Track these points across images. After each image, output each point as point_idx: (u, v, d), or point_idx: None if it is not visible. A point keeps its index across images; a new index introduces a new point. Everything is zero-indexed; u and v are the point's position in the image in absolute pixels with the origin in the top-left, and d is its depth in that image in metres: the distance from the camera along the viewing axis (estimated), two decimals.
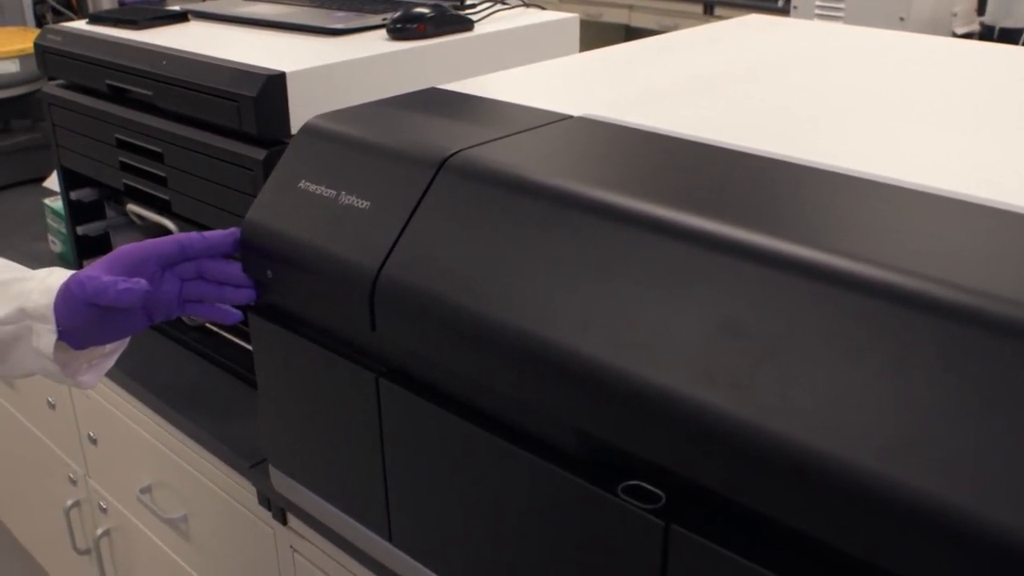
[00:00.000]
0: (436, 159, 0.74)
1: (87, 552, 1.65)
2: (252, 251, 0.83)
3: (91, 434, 1.50)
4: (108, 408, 1.39)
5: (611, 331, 0.60)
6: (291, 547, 1.11)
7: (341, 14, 1.24)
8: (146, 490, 1.37)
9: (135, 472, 1.39)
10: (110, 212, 1.43)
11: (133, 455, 1.38)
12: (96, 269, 0.81)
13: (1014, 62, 1.01)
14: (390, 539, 0.83)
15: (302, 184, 0.81)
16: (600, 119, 0.83)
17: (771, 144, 0.74)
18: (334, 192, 0.78)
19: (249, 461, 1.07)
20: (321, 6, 1.32)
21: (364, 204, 0.76)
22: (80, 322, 0.81)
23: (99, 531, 1.58)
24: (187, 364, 1.27)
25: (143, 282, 0.80)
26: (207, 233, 0.84)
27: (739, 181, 0.69)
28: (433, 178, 0.74)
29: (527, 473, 0.68)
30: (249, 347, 1.21)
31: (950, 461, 0.48)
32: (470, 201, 0.72)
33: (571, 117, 0.83)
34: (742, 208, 0.64)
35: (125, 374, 1.25)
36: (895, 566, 0.50)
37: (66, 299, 0.80)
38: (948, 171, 0.69)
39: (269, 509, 1.10)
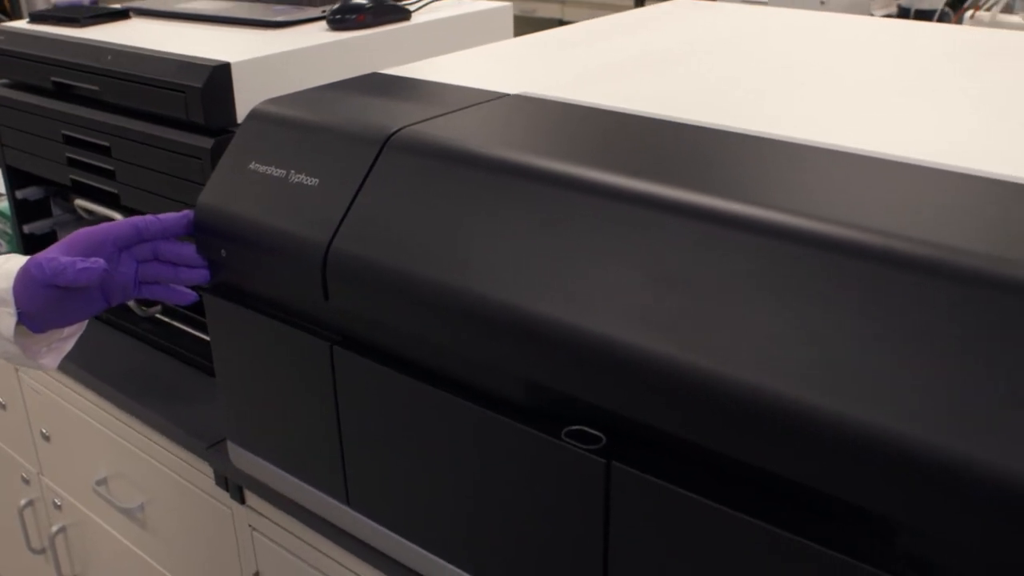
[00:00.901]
0: (380, 136, 0.78)
1: (42, 551, 1.66)
2: (206, 232, 0.86)
3: (44, 431, 1.51)
4: (61, 404, 1.41)
5: (552, 286, 0.65)
6: (250, 526, 1.14)
7: (281, 8, 1.27)
8: (102, 482, 1.39)
9: (90, 466, 1.41)
10: (56, 210, 1.44)
11: (87, 449, 1.40)
12: (54, 251, 0.84)
13: (928, 36, 1.07)
14: (348, 502, 0.87)
15: (252, 165, 0.84)
16: (533, 96, 0.87)
17: (698, 114, 0.80)
18: (284, 171, 0.82)
19: (206, 442, 1.10)
20: (261, 1, 1.35)
21: (313, 181, 0.80)
22: (39, 304, 0.83)
23: (54, 528, 1.59)
24: (140, 355, 1.29)
25: (101, 261, 0.83)
26: (162, 216, 0.87)
27: (663, 146, 0.74)
28: (378, 154, 0.78)
29: (477, 426, 0.72)
30: (201, 335, 1.25)
31: (863, 383, 0.53)
32: (414, 174, 0.76)
33: (507, 95, 0.88)
34: (668, 169, 0.69)
35: (79, 367, 1.27)
36: (817, 482, 0.55)
37: (25, 282, 0.83)
38: (866, 133, 0.75)
39: (227, 489, 1.13)
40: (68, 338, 0.91)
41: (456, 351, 0.72)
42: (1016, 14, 1.66)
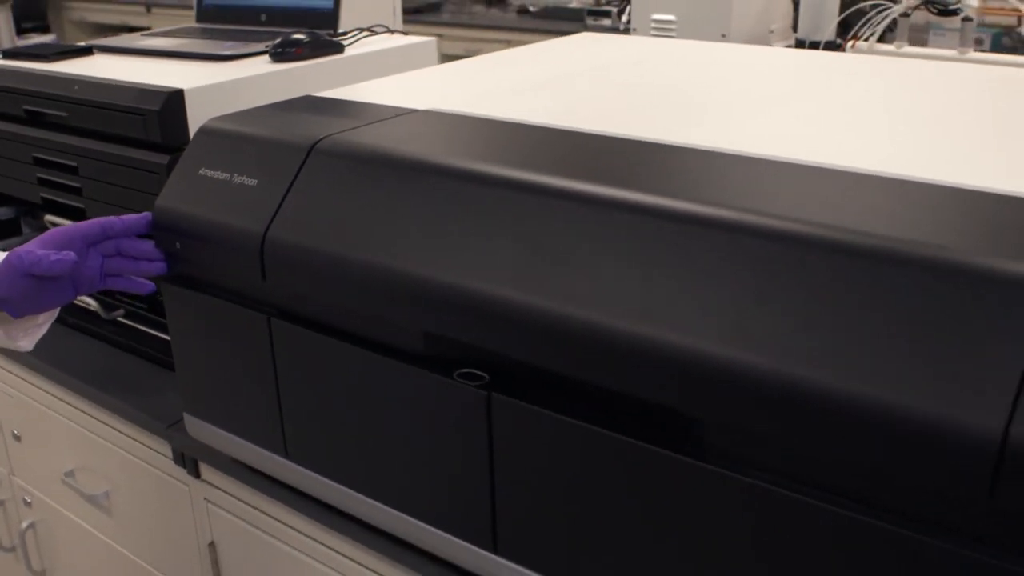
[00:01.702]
0: (307, 143, 0.95)
1: (12, 549, 1.79)
2: (163, 228, 1.02)
3: (15, 432, 1.64)
4: (32, 404, 1.55)
5: (446, 257, 0.82)
6: (205, 499, 1.29)
7: (229, 43, 1.44)
8: (70, 474, 1.53)
9: (58, 460, 1.55)
10: (26, 228, 1.59)
11: (56, 444, 1.53)
12: (31, 246, 0.99)
13: (820, 62, 1.27)
14: (286, 455, 1.02)
15: (202, 171, 1.00)
16: (439, 111, 1.05)
17: (582, 124, 0.97)
18: (228, 175, 0.98)
19: (166, 423, 1.25)
20: (211, 38, 1.52)
21: (252, 182, 0.96)
22: (17, 292, 0.98)
23: (24, 524, 1.71)
24: (105, 354, 1.44)
25: (72, 255, 0.98)
26: (124, 216, 1.03)
27: (540, 146, 0.92)
28: (306, 158, 0.94)
29: (386, 375, 0.88)
30: (160, 334, 1.39)
31: (686, 316, 0.70)
32: (334, 174, 0.92)
33: (416, 111, 1.05)
34: (543, 162, 0.86)
35: (49, 365, 1.41)
36: (646, 392, 0.72)
37: (5, 271, 0.98)
38: (753, 138, 0.93)
39: (184, 466, 1.28)
40: (43, 324, 1.06)
41: (369, 314, 0.88)
42: (889, 44, 1.86)
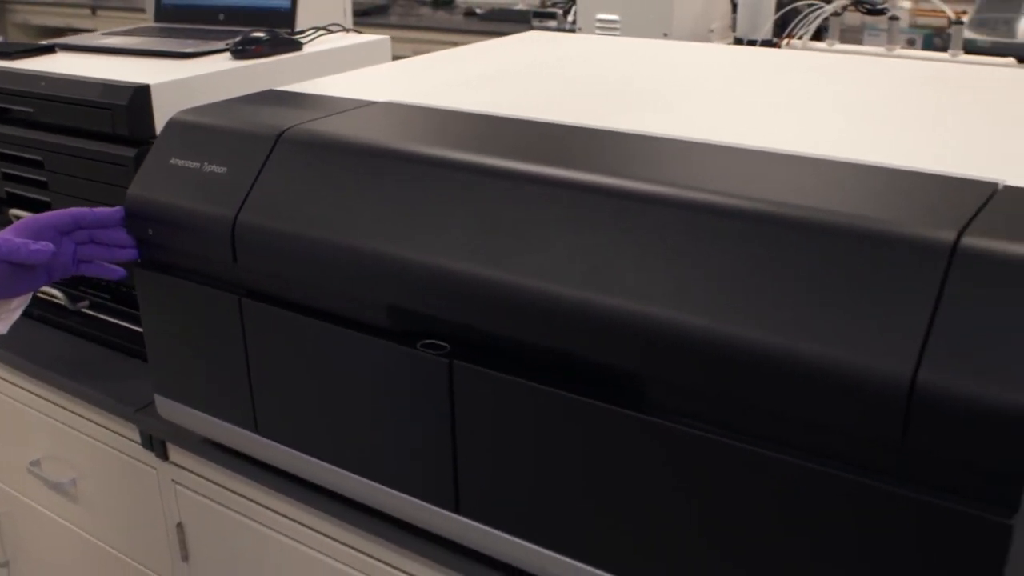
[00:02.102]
0: (274, 132, 1.01)
1: None
2: (136, 216, 1.07)
3: None
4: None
5: (409, 235, 0.88)
6: (173, 481, 1.33)
7: (190, 41, 1.49)
8: (35, 463, 1.56)
9: (25, 451, 1.58)
10: None
11: (22, 435, 1.57)
12: (6, 234, 1.03)
13: (755, 57, 1.35)
14: (256, 430, 1.07)
15: (172, 161, 1.05)
16: (397, 102, 1.11)
17: (532, 112, 1.04)
18: (198, 164, 1.04)
19: (134, 407, 1.29)
20: (171, 37, 1.56)
21: (222, 170, 1.02)
22: None
23: None
24: (71, 345, 1.47)
25: (50, 245, 1.02)
26: (96, 208, 1.08)
27: (503, 133, 0.98)
28: (273, 147, 1.00)
29: (353, 347, 0.94)
30: (125, 324, 1.44)
31: (626, 282, 0.77)
32: (300, 160, 0.98)
33: (376, 102, 1.11)
34: (500, 146, 0.92)
35: (16, 355, 1.45)
36: (593, 353, 0.79)
37: None
38: (694, 124, 1.00)
39: (152, 449, 1.32)
40: (16, 309, 1.10)
41: (336, 291, 0.94)
42: (823, 41, 1.96)
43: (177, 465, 1.31)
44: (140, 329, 1.37)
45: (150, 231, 1.06)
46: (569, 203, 0.83)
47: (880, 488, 0.70)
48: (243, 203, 0.98)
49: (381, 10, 5.22)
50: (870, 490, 0.70)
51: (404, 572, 1.07)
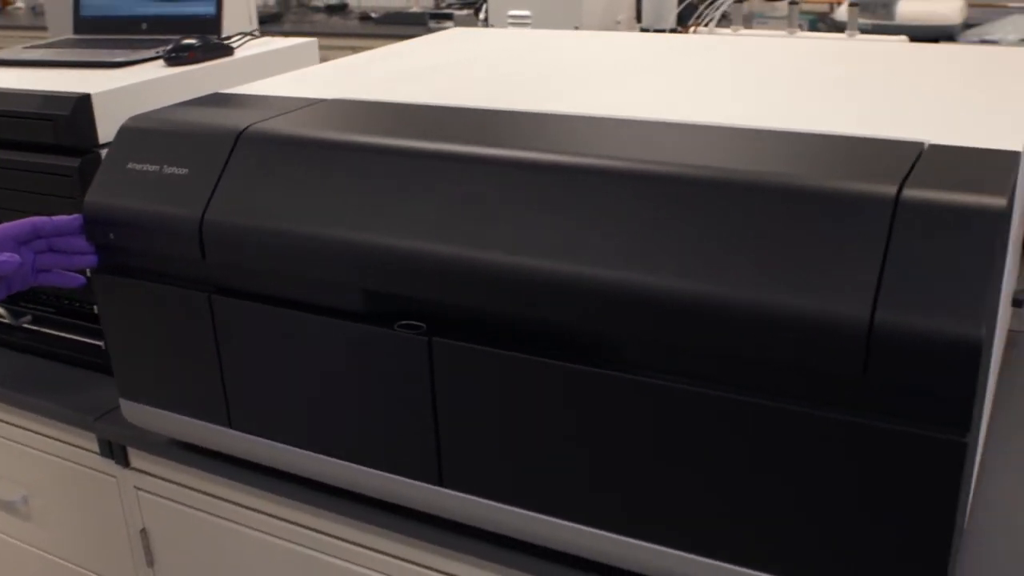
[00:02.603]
0: (234, 132, 1.03)
1: None
2: (95, 222, 1.08)
3: None
4: None
5: (379, 221, 0.92)
6: (135, 487, 1.34)
7: (119, 51, 1.49)
8: None
9: None
10: None
11: None
12: None
13: (675, 43, 1.42)
14: (229, 424, 1.10)
15: (130, 165, 1.07)
16: (347, 99, 1.14)
17: (473, 101, 1.08)
18: (157, 167, 1.05)
19: (93, 415, 1.29)
20: (95, 47, 1.56)
21: (183, 171, 1.04)
22: None
23: None
24: (17, 360, 1.46)
25: (16, 256, 1.03)
26: (54, 217, 1.08)
27: (451, 120, 1.03)
28: (234, 146, 1.03)
29: (330, 333, 0.98)
30: (71, 336, 1.43)
31: (595, 254, 0.82)
32: (264, 157, 1.01)
33: (326, 100, 1.14)
34: (451, 132, 0.97)
35: None
36: (558, 317, 0.84)
37: None
38: (612, 103, 1.06)
39: (112, 456, 1.33)
40: None
41: (311, 280, 0.97)
42: (728, 28, 2.05)
43: (139, 471, 1.32)
44: (88, 340, 1.39)
45: (111, 236, 1.07)
46: (526, 181, 0.88)
47: (845, 421, 0.76)
48: (209, 201, 1.00)
49: (275, 18, 5.20)
50: (836, 424, 0.77)
51: (385, 553, 1.11)
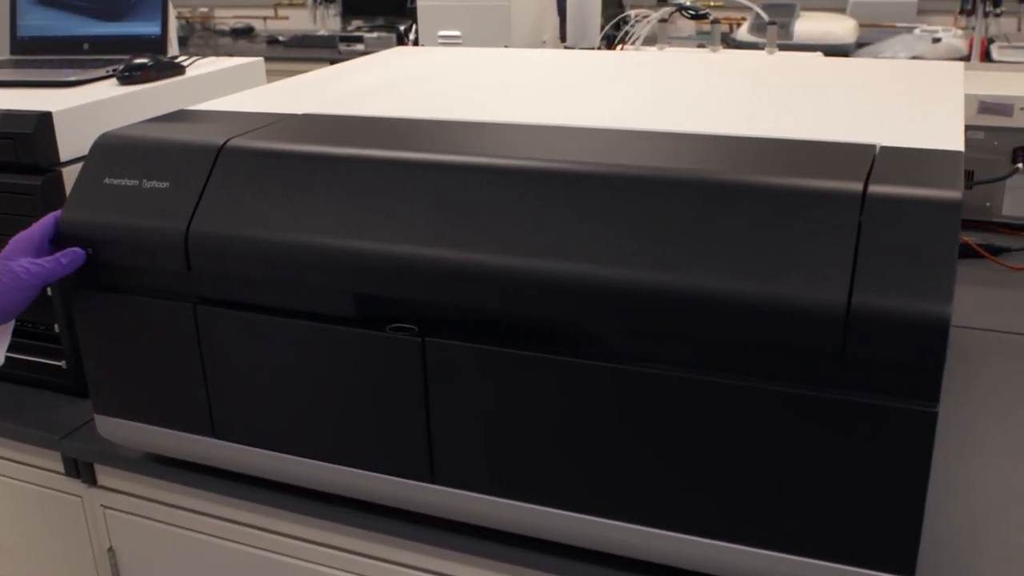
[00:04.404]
0: (215, 146, 1.06)
1: None
2: (73, 238, 1.08)
3: None
4: None
5: (364, 229, 0.95)
6: (102, 506, 1.33)
7: (67, 71, 1.49)
8: None
9: None
10: None
11: None
12: (13, 258, 1.04)
13: (581, 60, 1.48)
14: (212, 434, 1.11)
15: (107, 180, 1.08)
16: (314, 113, 1.18)
17: (433, 113, 1.13)
18: (136, 181, 1.07)
19: (59, 434, 1.29)
20: (37, 67, 1.55)
21: (164, 184, 1.06)
22: (15, 305, 1.03)
23: None
24: None
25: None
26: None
27: (416, 131, 1.07)
28: (216, 159, 1.05)
29: (321, 339, 1.00)
30: (25, 357, 1.42)
31: (577, 251, 0.87)
32: (247, 170, 1.04)
33: (295, 115, 1.17)
34: (422, 142, 1.01)
35: None
36: (540, 311, 0.89)
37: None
38: (540, 113, 1.11)
39: (78, 475, 1.32)
40: (9, 329, 1.09)
41: (298, 287, 1.00)
42: (653, 46, 2.14)
43: (107, 488, 1.32)
44: (46, 360, 1.38)
45: (89, 251, 1.08)
46: (504, 185, 0.93)
47: (824, 397, 0.83)
48: (193, 213, 1.02)
49: (180, 41, 5.14)
50: (816, 401, 0.83)
51: (371, 557, 1.14)
